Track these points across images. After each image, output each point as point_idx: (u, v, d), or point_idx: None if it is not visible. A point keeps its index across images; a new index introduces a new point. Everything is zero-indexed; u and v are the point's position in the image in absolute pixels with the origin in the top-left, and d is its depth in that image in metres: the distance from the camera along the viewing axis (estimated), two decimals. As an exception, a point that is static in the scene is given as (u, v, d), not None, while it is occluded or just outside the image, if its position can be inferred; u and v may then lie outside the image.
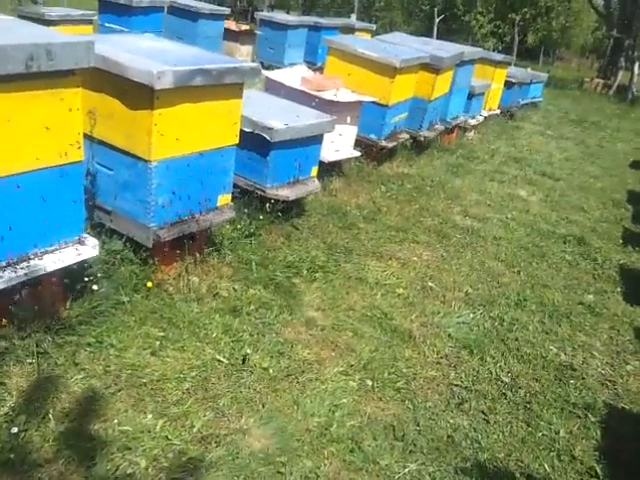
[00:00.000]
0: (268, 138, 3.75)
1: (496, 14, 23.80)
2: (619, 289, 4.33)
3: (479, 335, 3.39)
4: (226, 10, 9.76)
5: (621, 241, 5.39)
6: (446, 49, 6.33)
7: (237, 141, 3.29)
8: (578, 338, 3.57)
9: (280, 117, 3.94)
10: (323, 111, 4.65)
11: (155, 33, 8.74)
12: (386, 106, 5.54)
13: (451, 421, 2.62)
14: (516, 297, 3.93)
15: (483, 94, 8.26)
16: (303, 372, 2.73)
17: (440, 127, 6.83)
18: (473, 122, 8.08)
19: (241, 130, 3.78)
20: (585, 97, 15.53)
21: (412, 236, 4.60)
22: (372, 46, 5.64)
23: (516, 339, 3.44)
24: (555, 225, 5.49)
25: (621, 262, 4.88)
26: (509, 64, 9.20)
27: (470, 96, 7.77)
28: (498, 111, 9.36)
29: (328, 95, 4.80)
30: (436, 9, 16.69)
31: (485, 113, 8.84)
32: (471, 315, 3.61)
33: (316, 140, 4.26)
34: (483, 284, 4.06)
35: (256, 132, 3.78)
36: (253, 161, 3.93)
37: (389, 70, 5.38)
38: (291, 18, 11.13)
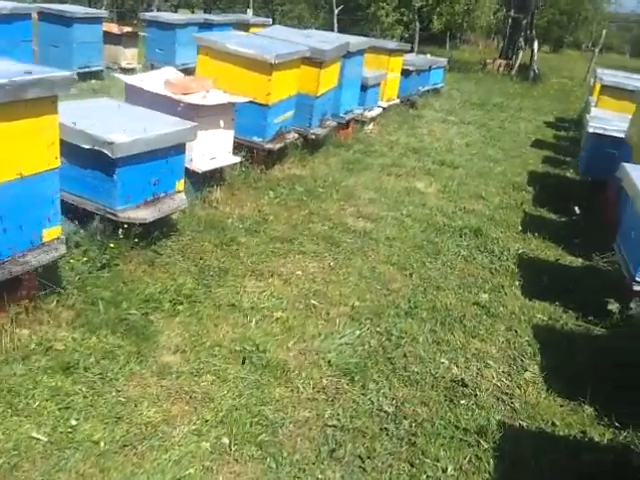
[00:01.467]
0: (110, 154, 3.26)
1: (400, 2, 23.92)
2: (517, 282, 4.13)
3: (363, 356, 3.05)
4: (103, 13, 9.07)
5: (520, 228, 5.24)
6: (329, 41, 5.98)
7: (58, 164, 2.78)
8: (472, 346, 3.30)
9: (127, 129, 3.45)
10: (190, 116, 4.20)
11: (24, 42, 8.03)
12: (266, 106, 5.14)
13: (320, 476, 2.24)
14: (407, 305, 3.63)
15: (379, 84, 8.02)
16: (144, 439, 2.28)
17: (332, 123, 6.50)
18: (370, 114, 7.82)
19: (79, 147, 3.28)
20: (488, 79, 15.75)
21: (298, 246, 4.22)
22: (246, 42, 5.21)
23: (404, 355, 3.13)
24: (452, 217, 5.27)
25: (520, 251, 4.70)
26: (405, 52, 9.01)
27: (364, 88, 7.50)
28: (398, 101, 9.17)
29: (194, 98, 4.34)
30: (334, 0, 16.39)
31: (384, 104, 8.62)
32: (357, 332, 3.27)
33: (177, 151, 3.79)
34: (372, 293, 3.74)
35: (96, 148, 3.28)
36: (98, 181, 3.42)
37: (265, 67, 4.98)
38: (178, 17, 10.54)
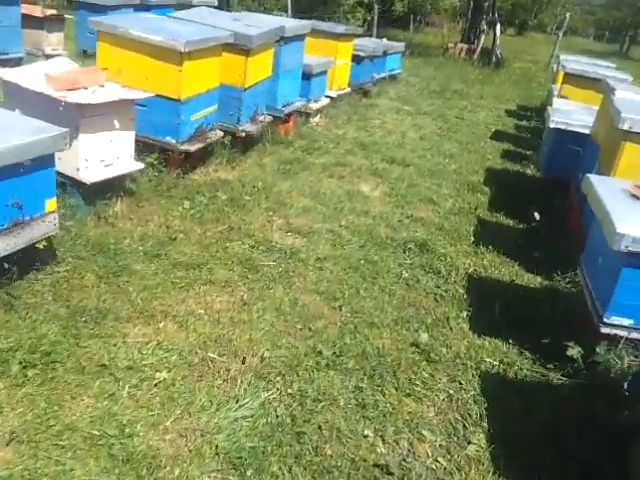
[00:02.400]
0: None
1: (361, -17, 23.13)
2: (464, 313, 3.50)
3: (264, 436, 2.38)
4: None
5: (472, 239, 4.62)
6: (259, 25, 5.22)
7: None
8: (405, 408, 2.66)
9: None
10: (73, 117, 3.44)
11: None
12: (178, 101, 4.39)
13: None
14: (330, 351, 2.96)
15: (325, 72, 7.29)
16: None
17: (267, 117, 5.76)
18: (316, 106, 7.10)
19: None
20: (449, 64, 15.13)
21: (207, 274, 3.51)
22: (154, 27, 4.43)
23: (319, 428, 2.47)
24: (396, 228, 4.62)
25: (470, 270, 4.08)
26: (355, 36, 8.29)
27: (307, 76, 6.77)
28: (349, 89, 8.46)
29: (77, 96, 3.56)
30: (288, -21, 15.49)
31: (332, 93, 7.91)
32: (261, 397, 2.60)
33: (44, 163, 3.03)
34: (289, 336, 3.07)
35: None
36: None
37: (174, 56, 4.22)
38: (107, -3, 9.55)
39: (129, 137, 3.96)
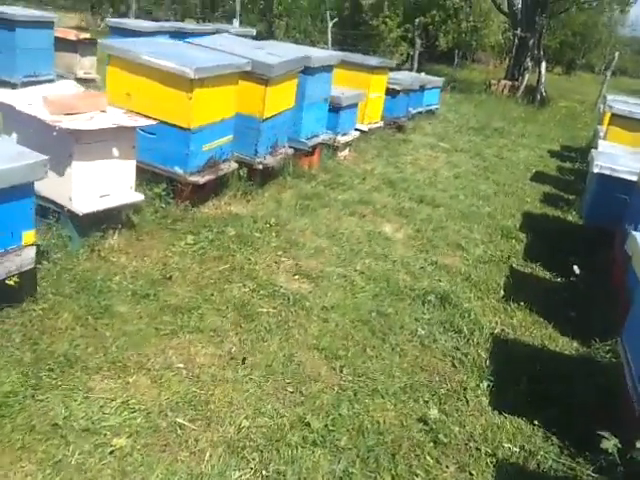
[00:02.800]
0: None
1: (405, 18, 23.08)
2: (485, 383, 3.05)
3: (224, 531, 1.99)
4: (54, 17, 8.10)
5: (502, 292, 4.17)
6: (282, 53, 4.97)
7: None
8: (401, 504, 2.23)
9: None
10: (67, 143, 3.22)
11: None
12: (188, 130, 4.13)
13: None
14: (321, 423, 2.56)
15: (355, 105, 7.00)
16: None
17: (288, 150, 5.47)
18: (344, 139, 6.80)
19: None
20: (491, 101, 14.70)
21: (196, 321, 3.17)
22: (166, 51, 4.21)
23: (294, 525, 2.07)
24: (417, 276, 4.21)
25: (496, 330, 3.63)
26: (389, 69, 8.00)
27: (336, 109, 6.49)
28: (381, 123, 8.15)
29: (72, 122, 3.33)
30: (328, 12, 15.45)
31: (364, 127, 7.60)
32: (232, 476, 2.21)
33: (21, 193, 2.78)
34: (277, 402, 2.68)
35: None
36: None
37: (184, 82, 3.98)
38: (147, 24, 9.58)
39: (129, 166, 3.71)
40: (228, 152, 4.71)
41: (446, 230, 5.26)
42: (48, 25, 8.03)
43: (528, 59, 15.61)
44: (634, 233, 2.84)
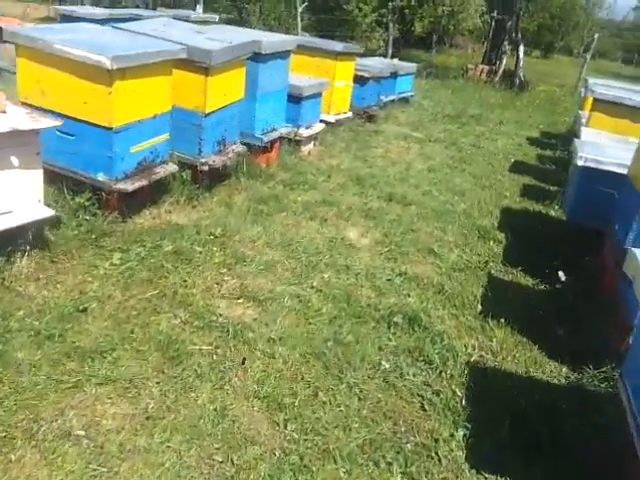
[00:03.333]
0: None
1: (380, 2, 22.43)
2: (461, 432, 2.52)
3: None
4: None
5: (479, 307, 3.65)
6: (223, 38, 4.36)
7: None
8: None
9: None
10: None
11: None
12: (110, 129, 3.52)
13: None
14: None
15: (319, 95, 6.41)
16: None
17: (240, 147, 4.88)
18: (307, 132, 6.22)
19: None
20: (468, 86, 14.19)
21: (108, 367, 2.59)
22: (82, 38, 3.58)
23: None
24: (384, 291, 3.67)
25: (473, 358, 3.11)
26: (356, 54, 7.41)
27: (297, 99, 5.90)
28: (350, 114, 7.58)
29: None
30: (298, -4, 14.75)
31: (330, 118, 7.04)
32: None
33: None
34: (200, 477, 2.12)
35: None
36: None
37: (101, 74, 3.37)
38: (97, 11, 8.84)
39: (34, 177, 3.10)
40: (165, 153, 4.11)
41: (417, 233, 4.72)
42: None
43: (506, 43, 15.10)
44: (634, 251, 2.32)
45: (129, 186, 3.69)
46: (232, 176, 5.00)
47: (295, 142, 6.10)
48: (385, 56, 14.22)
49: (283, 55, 5.17)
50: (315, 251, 4.07)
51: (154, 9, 19.16)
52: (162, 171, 4.01)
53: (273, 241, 4.09)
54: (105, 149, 3.55)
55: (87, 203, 3.73)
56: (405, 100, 10.10)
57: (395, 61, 10.06)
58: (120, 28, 4.05)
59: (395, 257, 4.22)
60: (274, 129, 5.43)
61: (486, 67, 15.53)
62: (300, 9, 14.12)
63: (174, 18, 9.64)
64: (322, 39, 7.78)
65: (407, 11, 22.29)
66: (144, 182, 3.82)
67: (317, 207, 4.90)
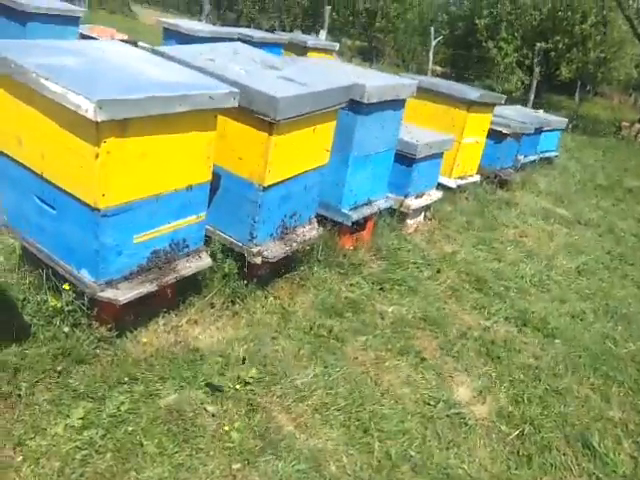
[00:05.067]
0: None
1: (523, 42, 20.48)
2: None
3: None
4: (78, 10, 6.59)
5: None
6: (307, 79, 2.98)
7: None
8: None
9: None
10: None
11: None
12: (96, 210, 2.23)
13: None
14: None
15: (439, 155, 4.87)
16: None
17: (313, 232, 3.45)
18: (418, 203, 4.70)
19: None
20: (622, 148, 11.90)
21: None
22: (72, 64, 2.33)
23: None
24: None
25: None
26: (494, 105, 5.79)
27: (409, 161, 4.42)
28: (478, 177, 5.96)
29: None
30: (432, 28, 13.27)
31: (450, 182, 5.48)
32: None
33: None
34: None
35: None
36: None
37: (85, 125, 2.09)
38: (201, 27, 7.95)
39: None
40: (197, 239, 2.78)
41: (564, 398, 3.02)
42: (74, 20, 6.57)
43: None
44: None
45: (122, 295, 2.38)
46: (303, 263, 3.59)
47: (399, 215, 4.60)
48: (525, 103, 12.35)
49: (395, 105, 3.72)
50: (398, 431, 2.53)
51: (290, 31, 18.52)
52: (189, 267, 2.68)
53: (334, 402, 2.59)
54: (90, 237, 2.27)
55: (68, 307, 2.48)
56: (547, 161, 8.25)
57: (541, 113, 8.26)
58: (159, 52, 2.80)
59: (529, 454, 2.58)
60: (370, 201, 3.97)
61: (644, 126, 13.11)
62: (434, 43, 12.59)
63: (289, 42, 8.62)
64: (451, 82, 6.23)
65: (553, 54, 20.14)
66: (150, 287, 2.49)
67: (414, 329, 3.35)
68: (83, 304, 2.48)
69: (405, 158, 4.37)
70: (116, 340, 2.56)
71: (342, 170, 3.55)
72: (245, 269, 3.10)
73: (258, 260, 3.02)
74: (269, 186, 2.86)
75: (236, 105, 2.49)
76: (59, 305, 2.48)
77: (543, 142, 7.77)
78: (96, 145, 2.07)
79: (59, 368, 2.34)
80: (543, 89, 18.19)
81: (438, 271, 4.18)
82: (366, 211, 3.88)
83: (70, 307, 2.49)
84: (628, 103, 26.50)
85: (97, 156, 2.09)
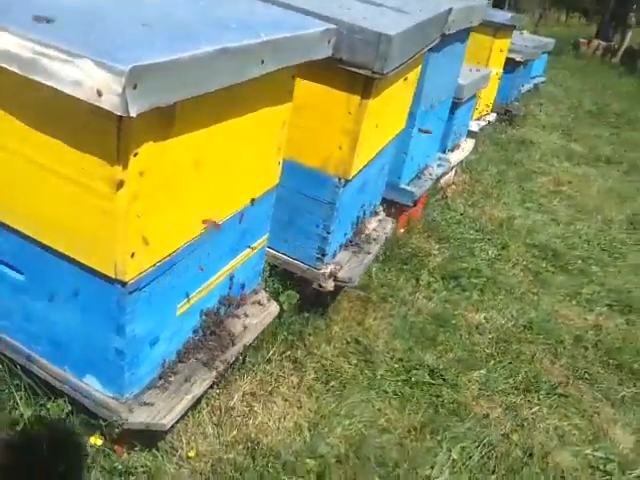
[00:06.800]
0: None
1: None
2: None
3: None
4: None
5: None
6: (407, 6, 1.92)
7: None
8: None
9: None
10: None
11: None
12: (121, 283, 1.14)
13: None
14: None
15: (474, 97, 3.91)
16: None
17: (385, 226, 2.46)
18: (456, 157, 3.78)
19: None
20: (590, 68, 11.28)
21: None
22: (93, 14, 1.18)
23: None
24: None
25: None
26: (514, 28, 4.81)
27: (452, 107, 3.44)
28: (493, 115, 5.06)
29: None
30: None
31: (473, 125, 4.54)
32: None
33: None
34: None
35: None
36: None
37: (106, 134, 0.96)
38: None
39: None
40: (255, 273, 1.74)
41: None
42: None
43: (632, 13, 12.07)
44: None
45: (165, 412, 1.35)
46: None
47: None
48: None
49: (463, 37, 2.70)
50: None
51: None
52: (252, 325, 1.65)
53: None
54: (107, 329, 1.20)
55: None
56: (535, 89, 7.45)
57: (525, 33, 7.35)
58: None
59: None
60: (426, 168, 3.00)
61: (602, 43, 12.53)
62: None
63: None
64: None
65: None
66: (204, 385, 1.46)
67: (523, 343, 2.51)
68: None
69: (454, 103, 3.38)
70: (136, 466, 1.54)
71: (406, 134, 2.54)
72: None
73: (330, 286, 2.02)
74: (352, 177, 1.83)
75: (330, 53, 1.42)
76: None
77: (534, 67, 6.93)
78: (119, 164, 0.98)
79: None
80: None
81: (503, 247, 3.32)
82: (426, 183, 2.91)
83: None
84: (553, 17, 25.98)
85: (121, 185, 1.00)
